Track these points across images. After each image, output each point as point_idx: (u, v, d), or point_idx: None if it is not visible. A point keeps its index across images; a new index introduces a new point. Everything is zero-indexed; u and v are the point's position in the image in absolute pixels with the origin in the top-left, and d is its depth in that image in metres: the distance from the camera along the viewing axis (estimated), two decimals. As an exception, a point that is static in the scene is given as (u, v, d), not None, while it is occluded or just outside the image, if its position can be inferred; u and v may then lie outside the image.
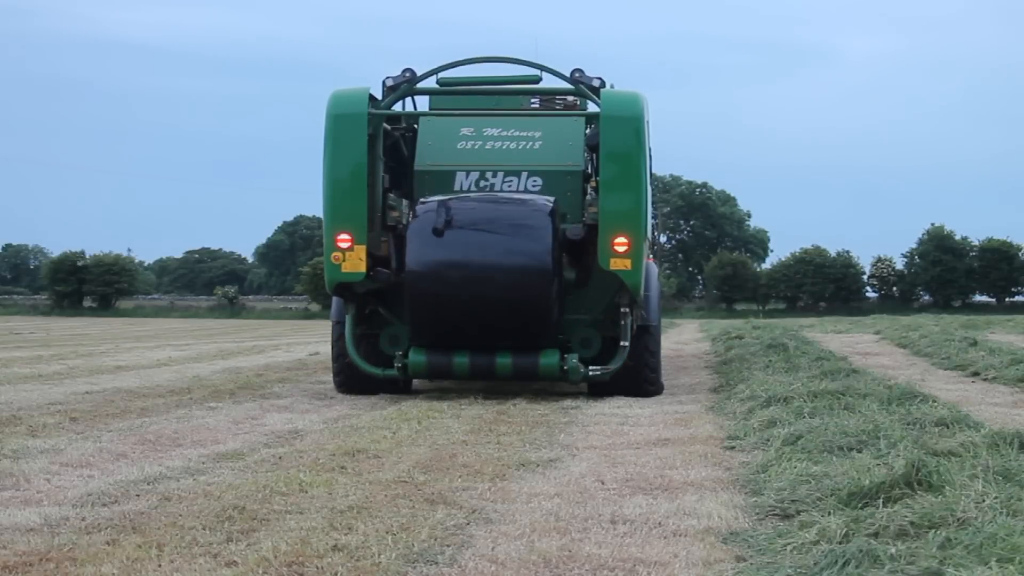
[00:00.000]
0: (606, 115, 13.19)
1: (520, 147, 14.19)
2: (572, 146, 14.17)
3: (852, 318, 49.50)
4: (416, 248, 12.79)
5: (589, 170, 14.14)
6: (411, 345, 13.21)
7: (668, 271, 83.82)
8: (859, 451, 7.88)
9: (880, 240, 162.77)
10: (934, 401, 10.61)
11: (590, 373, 13.28)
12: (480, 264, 12.71)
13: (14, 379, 15.45)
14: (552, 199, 13.15)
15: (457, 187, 14.01)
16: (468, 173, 14.03)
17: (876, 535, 5.52)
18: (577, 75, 13.65)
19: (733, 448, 9.14)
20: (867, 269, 72.44)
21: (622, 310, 13.23)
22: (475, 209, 13.03)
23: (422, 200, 13.32)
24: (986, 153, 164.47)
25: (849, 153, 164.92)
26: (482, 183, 14.00)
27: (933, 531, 5.44)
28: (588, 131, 14.13)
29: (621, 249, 12.94)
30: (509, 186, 13.98)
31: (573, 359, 13.15)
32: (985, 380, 15.58)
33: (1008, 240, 71.11)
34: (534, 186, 13.97)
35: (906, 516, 5.69)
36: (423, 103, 15.10)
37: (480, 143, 14.24)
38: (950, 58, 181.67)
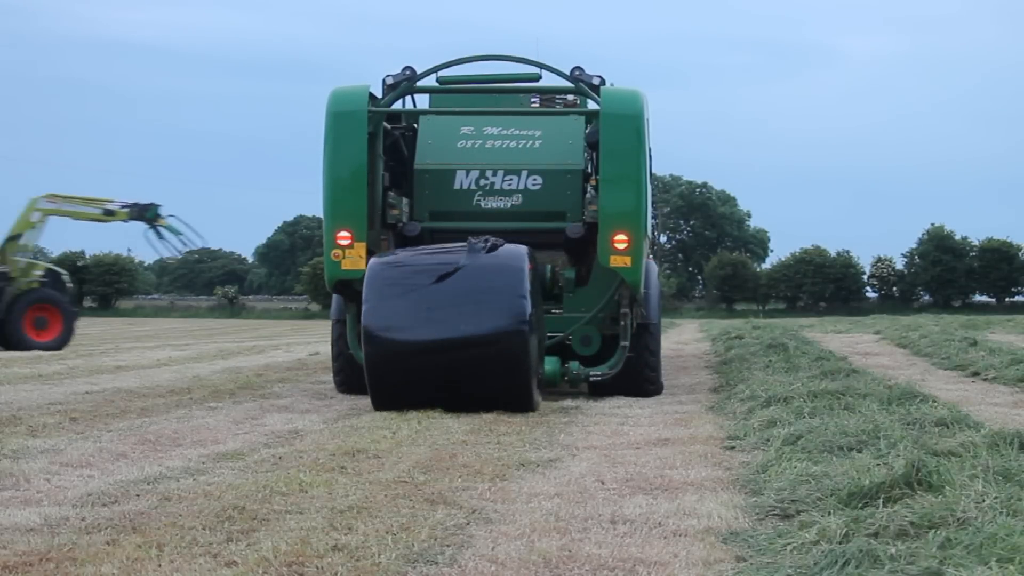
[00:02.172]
0: (606, 112, 13.21)
1: (520, 146, 14.21)
2: (572, 145, 14.19)
3: (852, 318, 49.50)
4: (373, 315, 11.54)
5: (589, 169, 14.16)
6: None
7: (668, 271, 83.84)
8: (859, 451, 7.88)
9: (880, 240, 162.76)
10: (934, 401, 10.61)
11: (591, 378, 13.27)
12: (447, 333, 11.36)
13: (14, 379, 15.44)
14: (525, 249, 12.08)
15: (457, 186, 14.03)
16: (468, 172, 14.04)
17: (876, 535, 5.51)
18: (577, 73, 13.66)
19: (733, 448, 9.13)
20: (867, 269, 72.55)
21: (622, 310, 13.22)
22: (438, 269, 11.74)
23: (377, 256, 12.40)
24: (986, 153, 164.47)
25: (849, 153, 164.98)
26: (482, 181, 14.02)
27: (933, 531, 5.44)
28: (588, 129, 14.14)
29: (621, 246, 12.96)
30: (509, 184, 14.00)
31: (575, 366, 13.13)
32: (985, 380, 15.57)
33: (1008, 240, 71.26)
34: (534, 184, 13.99)
35: (906, 516, 5.68)
36: (423, 101, 15.11)
37: (480, 142, 14.26)
38: (950, 58, 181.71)
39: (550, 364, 12.90)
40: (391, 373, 11.46)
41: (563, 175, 14.02)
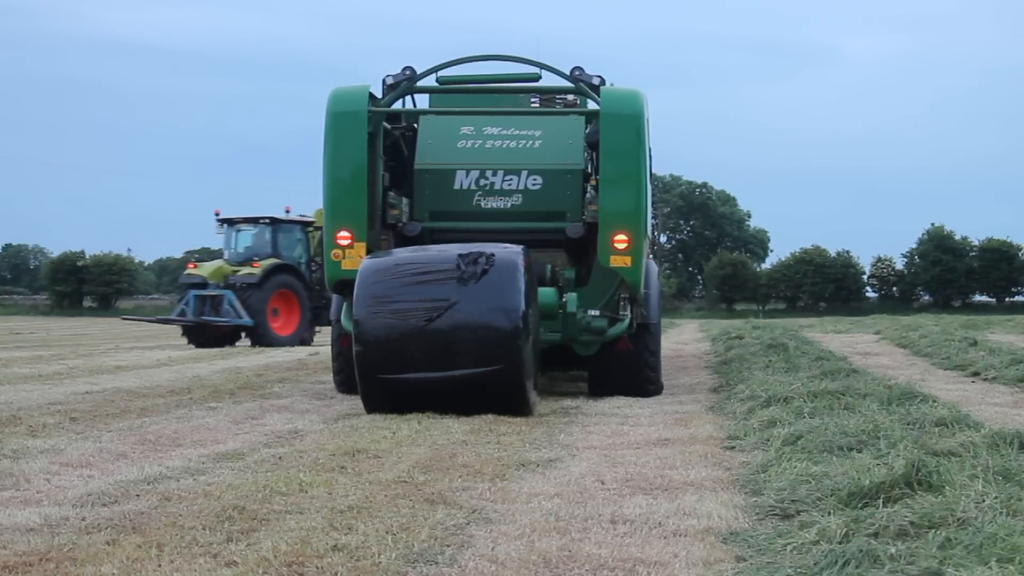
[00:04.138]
0: (606, 112, 13.21)
1: (520, 146, 14.20)
2: (572, 145, 14.19)
3: (852, 318, 49.49)
4: (364, 317, 11.29)
5: (589, 169, 14.16)
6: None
7: (668, 271, 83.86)
8: (859, 451, 7.87)
9: (880, 240, 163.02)
10: (934, 401, 10.60)
11: (590, 315, 13.09)
12: (440, 331, 11.07)
13: (14, 379, 15.44)
14: (521, 248, 11.83)
15: (457, 186, 14.02)
16: (468, 172, 14.03)
17: (876, 535, 5.51)
18: (577, 73, 13.65)
19: (733, 448, 9.13)
20: (867, 269, 72.53)
21: (623, 295, 13.21)
22: (431, 263, 11.41)
23: (369, 257, 12.14)
24: (985, 153, 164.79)
25: (849, 153, 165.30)
26: (482, 181, 14.01)
27: (933, 531, 5.44)
28: (588, 129, 14.14)
29: (621, 246, 12.96)
30: (509, 184, 13.99)
31: (573, 297, 13.04)
32: (985, 380, 15.57)
33: (1008, 240, 71.25)
34: (534, 184, 13.98)
35: (906, 516, 5.68)
36: (423, 101, 15.11)
37: (480, 142, 14.25)
38: (950, 58, 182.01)
39: (547, 296, 12.84)
40: (383, 382, 11.24)
41: (563, 175, 14.01)
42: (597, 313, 13.10)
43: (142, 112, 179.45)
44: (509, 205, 13.96)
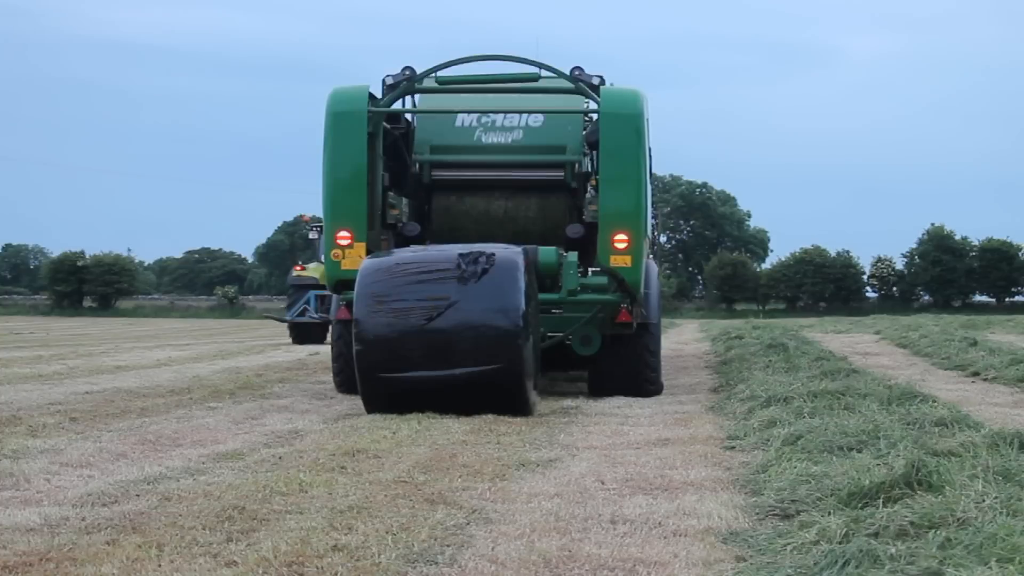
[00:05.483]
0: (606, 112, 13.22)
1: (520, 97, 14.43)
2: (570, 98, 14.32)
3: (852, 318, 49.48)
4: (364, 315, 11.33)
5: (588, 165, 14.20)
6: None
7: (668, 271, 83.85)
8: (859, 451, 7.88)
9: (880, 240, 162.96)
10: (934, 401, 10.60)
11: (591, 271, 13.12)
12: (440, 329, 11.10)
13: (14, 379, 15.44)
14: (521, 248, 11.82)
15: (459, 123, 14.15)
16: (470, 113, 14.24)
17: (876, 535, 5.51)
18: (577, 73, 13.67)
19: (733, 448, 9.13)
20: (867, 269, 72.49)
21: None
22: (432, 263, 11.45)
23: (370, 257, 12.20)
24: (986, 153, 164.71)
25: (849, 153, 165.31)
26: (483, 119, 14.14)
27: (933, 531, 5.44)
28: (587, 129, 14.18)
29: (621, 246, 12.98)
30: (510, 122, 14.14)
31: (574, 254, 13.07)
32: (985, 380, 15.58)
33: (1008, 240, 71.18)
34: (535, 122, 14.12)
35: (906, 516, 5.68)
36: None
37: (482, 96, 14.47)
38: (950, 57, 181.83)
39: (547, 255, 12.92)
40: (383, 381, 11.25)
41: (563, 115, 14.22)
42: (598, 269, 13.14)
43: (142, 112, 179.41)
44: (510, 140, 14.06)
